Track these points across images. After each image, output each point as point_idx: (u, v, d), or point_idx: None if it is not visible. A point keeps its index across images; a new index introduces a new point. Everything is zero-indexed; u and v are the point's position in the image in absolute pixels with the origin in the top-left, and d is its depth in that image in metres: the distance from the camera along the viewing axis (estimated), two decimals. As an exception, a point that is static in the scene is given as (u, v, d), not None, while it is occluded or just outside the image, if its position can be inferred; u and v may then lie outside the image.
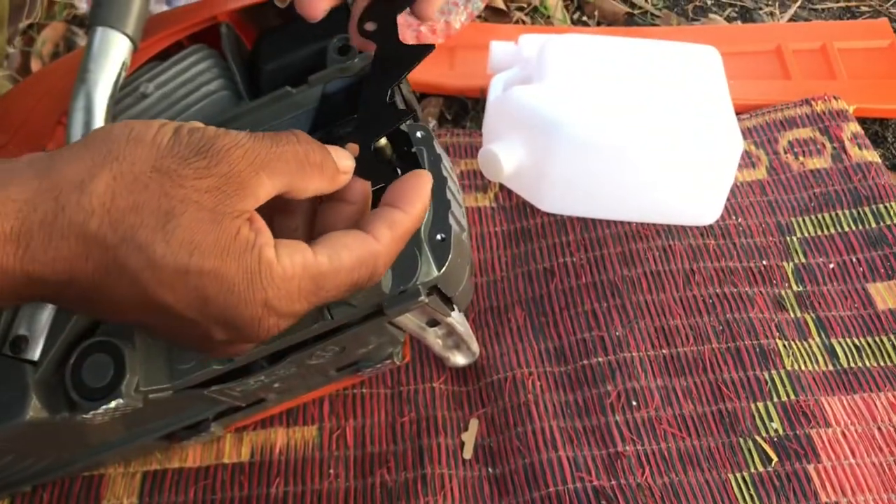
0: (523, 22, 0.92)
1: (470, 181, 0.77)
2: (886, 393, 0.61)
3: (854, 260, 0.70)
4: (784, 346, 0.64)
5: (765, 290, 0.67)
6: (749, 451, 0.59)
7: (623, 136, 0.66)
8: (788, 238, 0.71)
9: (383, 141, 0.45)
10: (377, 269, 0.36)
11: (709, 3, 0.96)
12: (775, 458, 0.58)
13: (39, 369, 0.45)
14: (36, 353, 0.45)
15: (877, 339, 0.65)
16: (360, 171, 0.38)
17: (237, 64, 0.53)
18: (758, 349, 0.63)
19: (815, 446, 0.58)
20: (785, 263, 0.69)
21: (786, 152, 0.78)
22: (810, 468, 0.57)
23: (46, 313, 0.46)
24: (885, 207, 0.72)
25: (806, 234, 0.72)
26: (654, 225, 0.71)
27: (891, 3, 0.95)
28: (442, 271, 0.46)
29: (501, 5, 0.91)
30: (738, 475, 0.57)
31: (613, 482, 0.57)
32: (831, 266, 0.69)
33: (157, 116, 0.52)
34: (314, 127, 0.49)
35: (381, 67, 0.41)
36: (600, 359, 0.63)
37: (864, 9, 0.95)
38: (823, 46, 0.87)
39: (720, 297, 0.66)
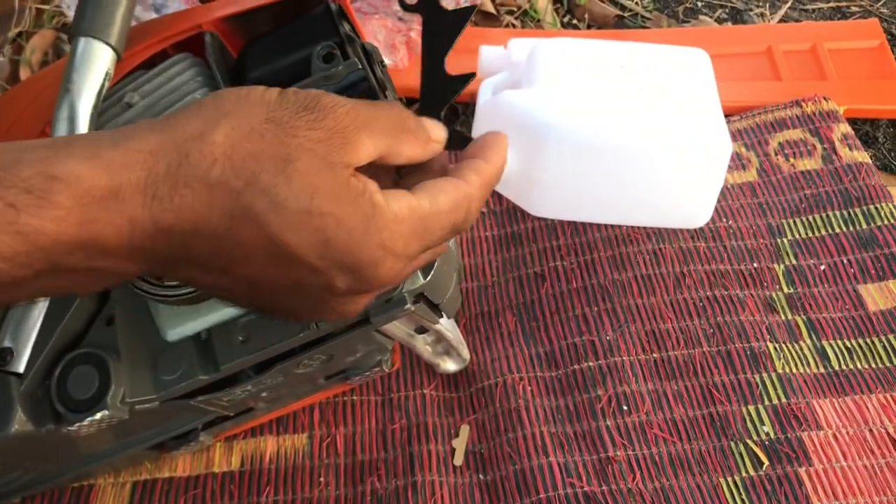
0: (513, 26, 0.92)
1: (460, 186, 0.76)
2: (878, 395, 0.61)
3: (845, 261, 0.70)
4: (775, 348, 0.64)
5: (755, 293, 0.67)
6: (740, 454, 0.58)
7: (612, 139, 0.66)
8: (779, 240, 0.71)
9: None
10: (471, 210, 0.37)
11: (699, 4, 0.96)
12: (766, 462, 0.58)
13: (24, 381, 0.45)
14: (21, 366, 0.45)
15: (868, 340, 0.65)
16: None
17: (222, 73, 0.52)
18: (749, 352, 0.63)
19: (806, 449, 0.58)
20: (776, 265, 0.69)
21: (776, 154, 0.77)
22: (802, 471, 0.57)
23: (31, 325, 0.46)
24: (876, 208, 0.72)
25: (797, 236, 0.71)
26: (644, 228, 0.71)
27: (881, 3, 0.95)
28: (428, 279, 0.46)
29: (491, 9, 0.91)
30: (729, 479, 0.57)
31: (604, 487, 0.56)
32: (822, 268, 0.69)
33: (142, 126, 0.52)
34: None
35: (431, 38, 0.43)
36: (591, 363, 0.63)
37: (854, 9, 0.95)
38: (814, 47, 0.87)
39: (711, 300, 0.66)
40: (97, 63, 0.50)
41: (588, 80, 0.69)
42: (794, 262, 0.70)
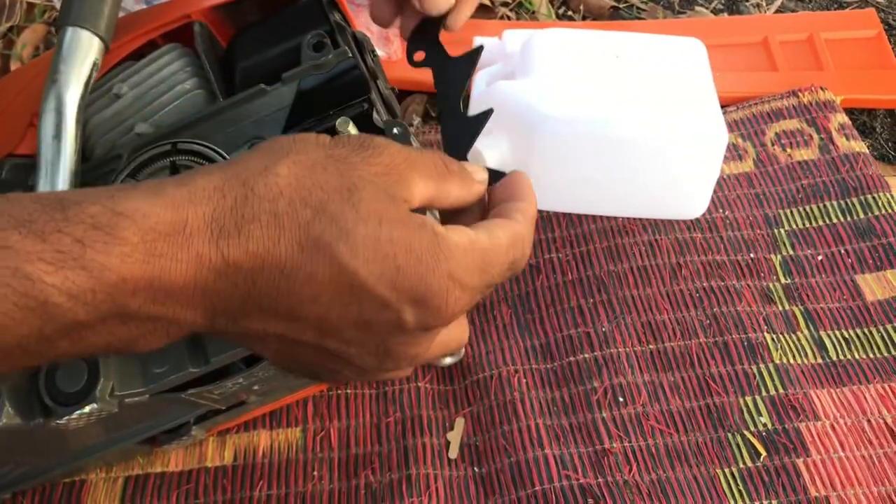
0: (508, 17, 0.91)
1: (455, 178, 0.76)
2: (876, 385, 0.61)
3: (842, 251, 0.69)
4: (772, 339, 0.63)
5: (752, 284, 0.67)
6: (737, 445, 0.58)
7: (607, 130, 0.66)
8: (776, 230, 0.71)
9: (354, 132, 0.45)
10: (525, 248, 0.37)
11: (695, -5, 0.95)
12: (764, 453, 0.57)
13: (12, 375, 0.44)
14: None
15: (866, 330, 0.64)
16: None
17: (211, 62, 0.52)
18: (746, 343, 0.63)
19: (804, 440, 0.58)
20: (773, 256, 0.69)
21: (773, 144, 0.77)
22: (799, 462, 0.57)
23: None
24: (874, 198, 0.72)
25: (794, 226, 0.71)
26: (640, 220, 0.70)
27: (878, -8, 0.94)
28: None
29: (486, 1, 0.91)
30: (726, 470, 0.57)
31: (600, 480, 0.56)
32: (819, 258, 0.69)
33: (131, 117, 0.52)
34: (289, 124, 0.49)
35: (444, 86, 0.44)
36: (586, 355, 0.62)
37: (851, -1, 0.94)
38: (810, 37, 0.86)
39: (707, 290, 0.66)
40: (85, 53, 0.49)
41: (582, 70, 0.69)
42: (791, 252, 0.69)
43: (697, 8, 0.94)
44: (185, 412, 0.53)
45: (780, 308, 0.66)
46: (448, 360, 0.61)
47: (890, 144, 0.81)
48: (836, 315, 0.65)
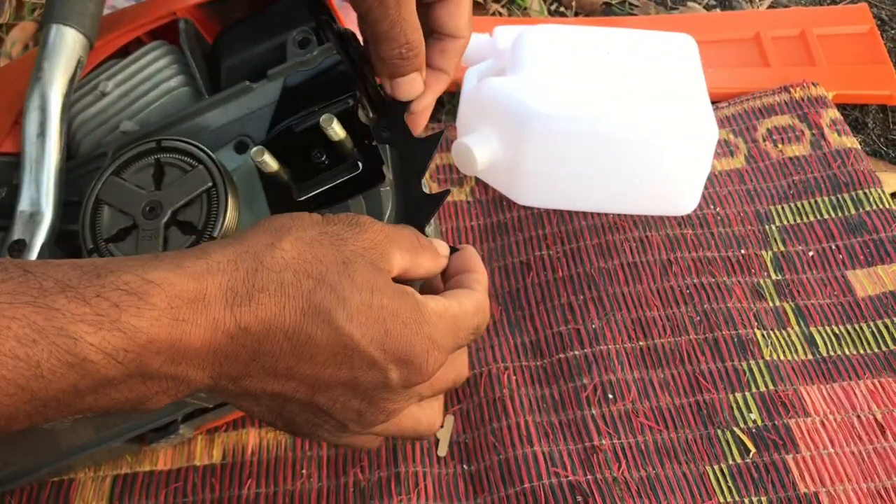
0: (500, 14, 0.91)
1: (446, 175, 0.76)
2: (866, 381, 0.61)
3: (833, 247, 0.69)
4: (763, 335, 0.63)
5: (743, 280, 0.67)
6: (727, 442, 0.58)
7: (597, 126, 0.66)
8: (767, 226, 0.71)
9: (342, 134, 0.44)
10: (486, 313, 0.43)
11: (687, -9, 0.95)
12: (753, 449, 0.57)
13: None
14: (33, 257, 0.45)
15: (856, 326, 0.64)
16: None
17: (197, 60, 0.52)
18: (736, 339, 0.62)
19: (793, 436, 0.58)
20: (763, 252, 0.69)
21: (764, 140, 0.77)
22: (789, 458, 0.57)
23: (42, 217, 0.47)
24: (865, 193, 0.71)
25: (785, 222, 0.71)
26: (630, 216, 0.70)
27: (871, -13, 0.94)
28: None
29: (478, -3, 0.91)
30: (715, 467, 0.57)
31: (589, 477, 0.56)
32: (810, 254, 0.69)
33: (116, 114, 0.52)
34: (275, 121, 0.48)
35: (407, 163, 0.46)
36: (576, 352, 0.62)
37: (843, -6, 0.94)
38: (802, 33, 0.86)
39: (698, 287, 0.65)
40: (69, 50, 0.49)
41: (573, 66, 0.69)
42: (782, 248, 0.69)
43: (690, 3, 0.94)
44: (172, 410, 0.53)
45: (771, 304, 0.65)
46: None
47: (882, 140, 0.81)
48: (827, 311, 0.65)
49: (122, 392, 0.33)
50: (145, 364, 0.32)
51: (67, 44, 0.49)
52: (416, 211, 0.45)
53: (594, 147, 0.67)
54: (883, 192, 0.71)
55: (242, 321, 0.34)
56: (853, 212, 0.71)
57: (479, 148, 0.67)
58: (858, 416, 0.59)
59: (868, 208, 0.71)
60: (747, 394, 0.60)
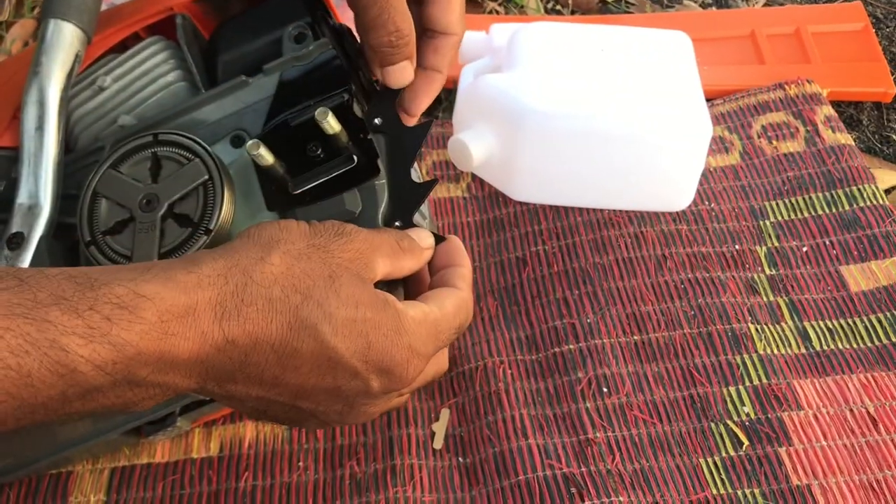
0: (496, 12, 0.92)
1: (443, 171, 0.76)
2: (859, 374, 0.61)
3: (827, 242, 0.69)
4: (756, 329, 0.63)
5: (737, 275, 0.67)
6: (720, 435, 0.58)
7: (592, 123, 0.66)
8: (762, 222, 0.71)
9: (337, 127, 0.45)
10: (469, 311, 0.44)
11: (684, -11, 0.96)
12: (746, 442, 0.58)
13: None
14: (29, 253, 0.46)
15: (850, 320, 0.64)
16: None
17: (194, 55, 0.52)
18: (730, 333, 0.63)
19: (786, 429, 0.58)
20: (758, 247, 0.69)
21: (759, 137, 0.77)
22: (782, 451, 0.57)
23: (40, 211, 0.48)
24: (859, 189, 0.72)
25: (779, 218, 0.71)
26: (626, 212, 0.71)
27: (866, -14, 0.94)
28: None
29: (475, -4, 0.91)
30: (709, 460, 0.57)
31: (583, 469, 0.56)
32: (804, 249, 0.69)
33: (114, 109, 0.52)
34: (271, 115, 0.49)
35: (396, 151, 0.47)
36: (571, 346, 0.63)
37: (839, -8, 0.95)
38: (797, 30, 0.86)
39: (692, 282, 0.66)
40: (67, 45, 0.49)
41: (569, 64, 0.69)
42: (776, 244, 0.70)
43: (686, 2, 0.94)
44: (169, 402, 0.53)
45: (765, 299, 0.66)
46: None
47: (877, 137, 0.82)
48: (821, 306, 0.65)
49: (110, 398, 0.34)
50: (133, 373, 0.33)
51: (65, 39, 0.49)
52: (405, 199, 0.46)
53: (589, 144, 0.67)
54: (877, 188, 0.72)
55: (230, 334, 0.35)
56: (847, 208, 0.71)
57: (474, 144, 0.68)
58: (851, 410, 0.59)
59: (862, 204, 0.71)
60: (741, 387, 0.60)
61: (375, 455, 0.58)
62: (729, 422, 0.59)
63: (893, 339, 0.63)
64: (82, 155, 0.51)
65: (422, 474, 0.57)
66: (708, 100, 0.77)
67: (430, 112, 0.83)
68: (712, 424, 0.59)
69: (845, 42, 0.86)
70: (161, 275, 0.35)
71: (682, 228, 0.69)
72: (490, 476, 0.56)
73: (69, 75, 0.49)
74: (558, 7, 0.93)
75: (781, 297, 0.66)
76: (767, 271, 0.68)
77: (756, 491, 0.55)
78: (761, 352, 0.62)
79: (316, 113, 0.44)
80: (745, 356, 0.62)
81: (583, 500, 0.54)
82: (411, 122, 0.49)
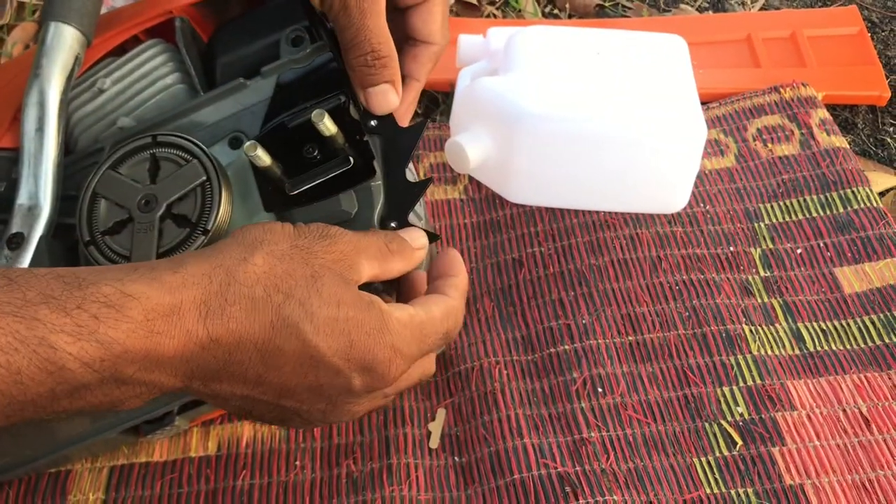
0: (494, 16, 0.92)
1: (440, 174, 0.77)
2: (852, 375, 0.62)
3: (821, 245, 0.70)
4: (751, 331, 0.64)
5: (732, 276, 0.67)
6: (714, 435, 0.59)
7: (588, 126, 0.67)
8: (756, 224, 0.72)
9: (333, 129, 0.45)
10: (458, 319, 0.45)
11: (680, -7, 0.96)
12: (740, 442, 0.58)
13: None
14: (29, 252, 0.47)
15: (843, 322, 0.65)
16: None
17: (192, 58, 0.53)
18: (724, 334, 0.63)
19: (780, 429, 0.59)
20: (752, 249, 0.70)
21: (754, 139, 0.78)
22: (775, 451, 0.58)
23: (40, 212, 0.48)
24: (853, 192, 0.72)
25: (774, 220, 0.72)
26: (621, 214, 0.71)
27: (861, -10, 0.95)
28: None
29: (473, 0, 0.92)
30: (702, 459, 0.58)
31: (578, 468, 0.57)
32: (799, 251, 0.70)
33: (114, 111, 0.53)
34: (268, 117, 0.49)
35: (391, 151, 0.47)
36: (567, 346, 0.63)
37: (834, -3, 0.95)
38: (793, 34, 0.87)
39: (687, 283, 0.66)
40: (67, 48, 0.50)
41: (565, 67, 0.70)
42: (770, 245, 0.70)
43: (682, 5, 0.95)
44: (167, 400, 0.54)
45: (759, 300, 0.66)
46: None
47: (871, 140, 0.82)
48: (815, 307, 0.66)
49: (97, 396, 0.35)
50: (120, 371, 0.34)
51: (65, 41, 0.50)
52: (400, 199, 0.46)
53: (585, 146, 0.68)
54: (870, 190, 0.72)
55: (214, 333, 0.36)
56: (841, 210, 0.72)
57: (471, 146, 0.68)
58: (844, 410, 0.60)
59: (856, 206, 0.71)
60: (735, 388, 0.61)
61: (372, 454, 0.58)
62: (723, 422, 0.59)
63: (886, 341, 0.63)
64: (82, 156, 0.52)
65: (418, 473, 0.57)
66: (704, 103, 0.78)
67: (429, 115, 0.84)
68: (706, 424, 0.59)
69: (840, 46, 0.87)
70: (147, 275, 0.35)
71: (677, 230, 0.70)
72: (486, 475, 0.57)
73: (69, 78, 0.50)
74: (555, 11, 0.94)
75: (776, 298, 0.67)
76: (762, 273, 0.68)
77: (749, 490, 0.56)
78: (755, 352, 0.63)
79: (312, 115, 0.44)
80: (740, 357, 0.62)
81: (577, 499, 0.55)
82: (399, 119, 0.50)
